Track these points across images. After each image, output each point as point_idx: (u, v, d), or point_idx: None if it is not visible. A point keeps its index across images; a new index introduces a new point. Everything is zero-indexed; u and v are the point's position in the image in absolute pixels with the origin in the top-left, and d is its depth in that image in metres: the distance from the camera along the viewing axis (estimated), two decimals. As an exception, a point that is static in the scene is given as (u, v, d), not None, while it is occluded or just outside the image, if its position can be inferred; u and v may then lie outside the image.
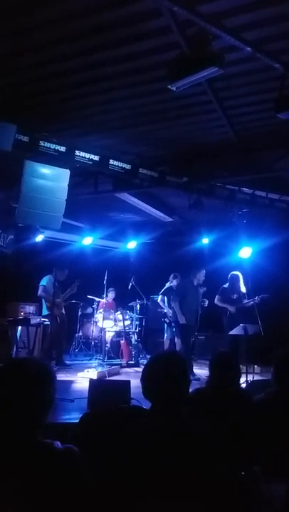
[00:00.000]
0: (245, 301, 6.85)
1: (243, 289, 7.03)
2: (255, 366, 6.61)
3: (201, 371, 6.69)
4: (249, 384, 5.33)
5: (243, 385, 5.08)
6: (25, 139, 4.89)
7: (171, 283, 8.00)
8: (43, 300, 7.26)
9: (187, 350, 6.81)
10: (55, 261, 7.38)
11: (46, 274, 7.29)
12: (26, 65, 4.26)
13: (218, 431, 1.92)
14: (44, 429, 1.59)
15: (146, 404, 1.92)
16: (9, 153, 4.85)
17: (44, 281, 7.23)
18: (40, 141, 5.03)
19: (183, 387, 1.88)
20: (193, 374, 6.39)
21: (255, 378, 5.87)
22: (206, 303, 7.12)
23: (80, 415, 3.07)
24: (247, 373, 5.68)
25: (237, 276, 7.07)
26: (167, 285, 8.08)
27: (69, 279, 7.50)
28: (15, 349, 6.16)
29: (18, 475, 1.42)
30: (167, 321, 8.00)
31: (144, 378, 1.89)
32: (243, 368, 5.39)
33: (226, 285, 7.08)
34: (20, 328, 6.33)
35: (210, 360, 2.90)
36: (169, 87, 4.05)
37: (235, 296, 6.98)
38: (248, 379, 5.61)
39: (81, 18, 3.56)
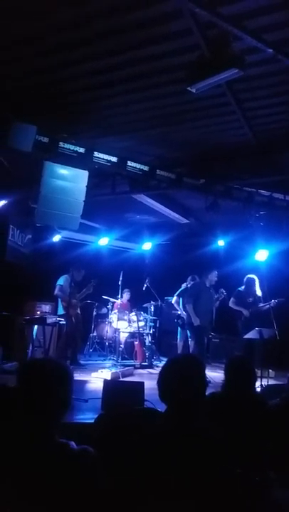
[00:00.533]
0: (261, 304, 6.79)
1: (259, 292, 6.97)
2: (270, 370, 6.55)
3: (214, 374, 6.64)
4: (264, 388, 5.28)
5: (258, 389, 5.04)
6: (45, 140, 4.94)
7: (188, 284, 7.98)
8: (59, 299, 7.32)
9: (201, 352, 6.75)
10: (72, 261, 7.44)
11: (63, 274, 7.36)
12: (45, 68, 4.30)
13: (233, 435, 1.91)
14: (59, 428, 1.60)
15: (160, 406, 1.92)
16: (29, 154, 4.91)
17: (61, 280, 7.29)
18: (60, 143, 5.07)
19: (199, 391, 1.88)
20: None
21: (269, 383, 5.81)
22: (224, 293, 7.02)
23: (94, 415, 3.09)
24: (261, 377, 5.63)
25: (253, 280, 7.02)
26: (183, 286, 8.05)
27: (85, 279, 7.55)
28: (31, 348, 6.22)
29: (36, 474, 1.43)
30: (180, 323, 7.97)
31: (161, 381, 1.89)
32: (258, 372, 5.34)
33: (242, 288, 7.03)
34: (36, 327, 6.40)
35: (225, 364, 2.89)
36: (189, 88, 4.05)
37: (250, 299, 6.93)
38: (263, 383, 5.56)
39: (101, 20, 3.58)
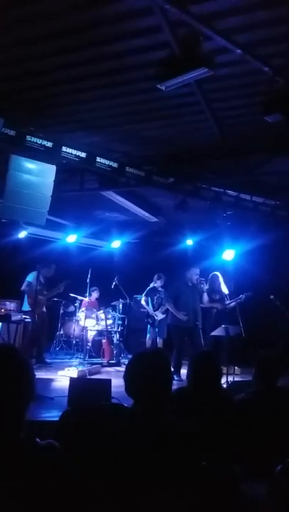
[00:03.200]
0: (228, 301, 6.89)
1: (225, 289, 7.06)
2: (236, 367, 6.67)
3: (183, 371, 6.70)
4: (230, 384, 5.37)
5: (224, 386, 5.11)
6: (12, 133, 4.83)
7: (155, 283, 8.00)
8: (25, 296, 7.19)
9: (178, 352, 6.68)
10: (38, 258, 7.31)
11: (29, 271, 7.22)
12: (14, 60, 4.20)
13: (200, 430, 1.93)
14: (24, 425, 1.56)
15: (127, 403, 1.91)
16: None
17: (30, 277, 7.15)
18: (27, 136, 4.97)
19: (165, 384, 1.88)
20: (178, 375, 6.38)
21: (235, 379, 5.91)
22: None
23: (60, 413, 3.04)
24: (227, 374, 5.72)
25: (215, 276, 7.09)
26: (151, 285, 8.06)
27: (57, 277, 7.44)
28: (-6, 346, 6.06)
29: (4, 471, 1.39)
30: (150, 321, 7.98)
31: (127, 374, 1.87)
32: (224, 369, 5.43)
33: (206, 286, 7.09)
34: (0, 324, 6.25)
35: (191, 360, 2.91)
36: (158, 86, 4.06)
37: (217, 296, 7.00)
38: (229, 380, 5.65)
39: (70, 13, 3.52)
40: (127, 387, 1.84)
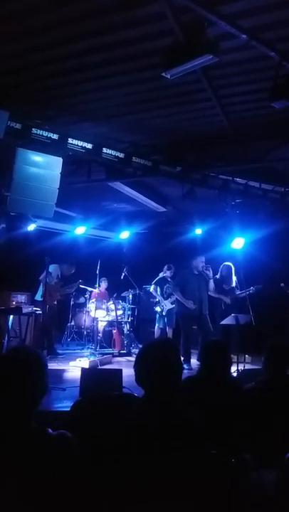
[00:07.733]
0: (238, 292, 6.87)
1: (234, 279, 7.04)
2: (246, 356, 6.67)
3: (192, 360, 6.73)
4: (240, 373, 5.39)
5: (234, 374, 5.13)
6: (18, 126, 4.83)
7: (165, 273, 8.00)
8: (41, 285, 7.26)
9: (186, 340, 6.79)
10: (48, 250, 7.33)
11: (40, 263, 7.24)
12: (19, 52, 4.18)
13: (209, 419, 1.94)
14: (36, 416, 1.59)
15: (138, 393, 1.92)
16: (1, 141, 4.79)
17: (51, 267, 7.22)
18: (33, 129, 4.97)
19: (176, 374, 1.89)
20: (189, 364, 6.44)
21: (246, 367, 5.93)
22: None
23: (72, 403, 3.08)
24: (238, 363, 5.73)
25: (229, 267, 7.07)
26: (160, 275, 8.06)
27: (72, 275, 7.75)
28: (7, 338, 6.14)
29: (14, 460, 1.42)
30: (159, 310, 8.00)
31: (138, 365, 1.89)
32: (235, 358, 5.45)
33: (217, 276, 7.08)
34: (11, 317, 6.32)
35: (201, 349, 2.92)
36: (164, 74, 4.00)
37: (226, 287, 6.99)
38: (239, 368, 5.67)
39: (75, 3, 3.49)
40: (137, 377, 1.86)
